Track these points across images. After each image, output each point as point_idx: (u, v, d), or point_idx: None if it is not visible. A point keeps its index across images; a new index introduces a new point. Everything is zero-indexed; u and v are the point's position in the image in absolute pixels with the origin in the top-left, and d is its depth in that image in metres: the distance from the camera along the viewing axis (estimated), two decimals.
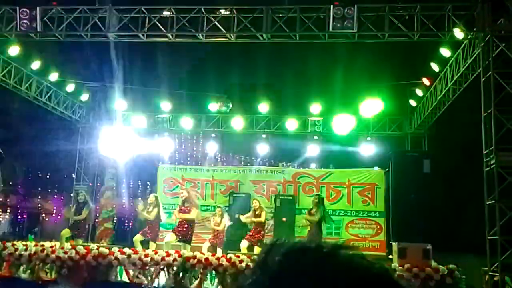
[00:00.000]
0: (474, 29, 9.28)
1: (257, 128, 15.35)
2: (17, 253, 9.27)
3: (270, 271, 0.77)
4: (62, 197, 25.33)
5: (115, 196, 17.04)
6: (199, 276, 8.79)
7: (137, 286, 8.90)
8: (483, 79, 8.99)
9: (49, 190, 26.88)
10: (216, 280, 8.77)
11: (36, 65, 12.90)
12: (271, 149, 15.67)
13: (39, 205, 26.89)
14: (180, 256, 8.87)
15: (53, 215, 26.48)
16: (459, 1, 9.55)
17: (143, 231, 10.77)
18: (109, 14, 10.27)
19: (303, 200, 13.60)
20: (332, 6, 9.39)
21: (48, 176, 26.88)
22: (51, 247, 9.50)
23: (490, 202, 8.60)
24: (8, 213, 27.25)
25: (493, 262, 8.40)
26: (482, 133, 8.99)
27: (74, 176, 16.35)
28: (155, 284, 8.86)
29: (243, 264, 8.56)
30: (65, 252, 9.09)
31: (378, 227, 13.52)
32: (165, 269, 8.87)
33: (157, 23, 10.27)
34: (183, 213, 10.59)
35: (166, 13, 10.30)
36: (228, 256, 8.88)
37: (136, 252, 9.14)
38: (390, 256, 10.00)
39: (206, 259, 8.76)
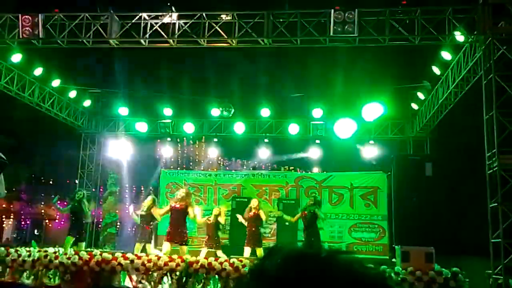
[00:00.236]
0: (475, 32, 9.28)
1: (259, 133, 15.37)
2: (20, 259, 9.29)
3: (267, 276, 0.78)
4: (65, 203, 25.33)
5: (118, 202, 17.09)
6: (202, 281, 8.78)
7: None
8: (485, 82, 8.99)
9: (52, 196, 26.89)
10: (220, 285, 8.76)
11: (38, 71, 12.97)
12: (273, 153, 15.69)
13: (42, 211, 26.92)
14: (183, 261, 8.87)
15: (56, 221, 26.49)
16: (459, 4, 9.56)
17: (139, 238, 10.71)
18: (110, 21, 10.31)
19: (306, 204, 13.58)
20: (332, 10, 9.42)
21: (51, 182, 26.92)
22: (54, 253, 9.52)
23: (493, 205, 8.59)
24: (11, 219, 27.30)
25: (496, 265, 8.38)
26: (484, 136, 8.98)
27: (77, 182, 16.37)
28: None
29: (246, 269, 8.56)
30: (68, 258, 9.10)
31: (381, 230, 13.50)
32: (168, 274, 8.87)
33: (159, 29, 10.31)
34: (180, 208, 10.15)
35: (167, 19, 10.34)
36: (231, 260, 8.88)
37: (139, 258, 9.14)
38: (393, 260, 9.98)
39: (209, 264, 8.76)
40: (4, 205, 25.68)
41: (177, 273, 8.83)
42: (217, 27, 10.14)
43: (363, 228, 13.64)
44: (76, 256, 9.12)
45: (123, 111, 15.49)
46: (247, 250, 10.67)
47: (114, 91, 16.23)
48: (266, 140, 15.19)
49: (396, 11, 9.69)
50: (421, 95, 13.45)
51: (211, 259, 9.03)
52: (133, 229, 21.37)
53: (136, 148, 16.58)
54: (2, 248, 9.67)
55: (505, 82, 8.70)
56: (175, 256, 9.16)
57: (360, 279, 0.77)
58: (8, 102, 16.35)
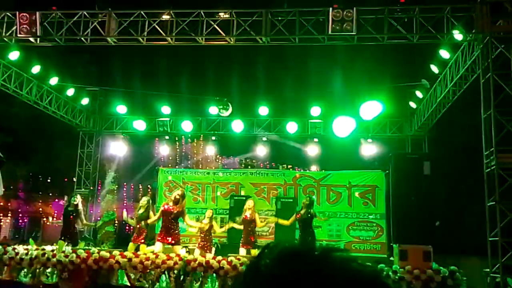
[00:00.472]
0: (473, 31, 9.28)
1: (257, 131, 15.37)
2: (18, 257, 9.27)
3: (261, 275, 0.78)
4: (63, 201, 25.32)
5: (116, 200, 17.07)
6: (200, 279, 8.78)
7: None
8: (483, 80, 8.99)
9: (50, 194, 26.89)
10: (217, 283, 8.76)
11: (36, 69, 12.94)
12: (272, 152, 15.69)
13: (40, 209, 26.90)
14: (181, 259, 8.87)
15: (54, 219, 26.48)
16: (458, 2, 9.55)
17: (133, 239, 10.70)
18: (108, 19, 10.29)
19: (301, 204, 13.59)
20: (331, 9, 9.42)
21: (49, 180, 26.89)
22: (52, 251, 9.50)
23: (490, 203, 8.60)
24: (9, 217, 27.27)
25: (494, 263, 8.39)
26: (482, 135, 8.98)
27: (75, 180, 16.36)
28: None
29: (244, 267, 8.55)
30: (66, 256, 9.08)
31: (379, 229, 13.51)
32: (166, 272, 8.86)
33: (157, 27, 10.28)
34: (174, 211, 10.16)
35: (165, 17, 10.32)
36: (229, 259, 8.88)
37: (137, 256, 9.13)
38: (391, 258, 9.99)
39: (207, 262, 8.76)
40: (1, 203, 25.65)
41: (175, 271, 8.82)
42: (215, 25, 10.13)
43: (361, 226, 13.65)
44: (74, 255, 9.11)
45: (121, 109, 15.48)
46: (242, 251, 10.68)
47: (112, 89, 16.23)
48: (264, 139, 15.18)
49: (394, 10, 9.69)
50: (419, 94, 13.45)
51: (209, 256, 9.03)
52: (131, 227, 21.38)
53: (134, 147, 16.57)
54: (0, 246, 9.65)
55: (503, 80, 8.70)
56: (173, 255, 9.16)
57: (355, 276, 0.77)
58: (6, 100, 16.33)
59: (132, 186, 23.77)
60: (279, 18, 9.98)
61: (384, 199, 13.40)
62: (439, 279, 8.21)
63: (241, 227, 11.11)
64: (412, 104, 14.22)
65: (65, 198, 11.72)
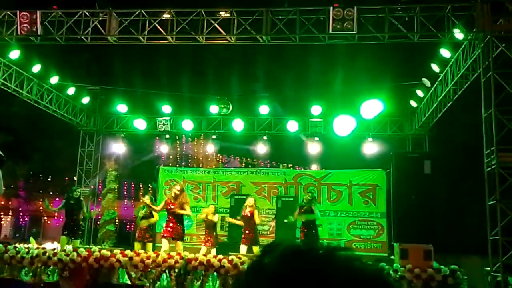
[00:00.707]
0: (474, 30, 9.27)
1: (258, 130, 15.36)
2: (19, 255, 9.28)
3: (264, 273, 0.78)
4: (63, 200, 25.33)
5: (117, 199, 17.09)
6: (201, 278, 8.79)
7: None
8: (483, 79, 8.98)
9: (51, 193, 26.89)
10: (218, 282, 8.77)
11: (37, 68, 12.93)
12: (272, 151, 15.69)
13: (41, 208, 26.91)
14: (182, 258, 8.88)
15: (55, 217, 26.49)
16: (458, 1, 9.54)
17: (137, 237, 10.75)
18: (109, 17, 10.29)
19: (302, 200, 13.60)
20: (332, 7, 9.41)
21: (49, 179, 26.91)
22: (53, 249, 9.51)
23: (491, 202, 8.60)
24: (9, 216, 27.29)
25: (494, 262, 8.39)
26: (482, 134, 8.98)
27: (75, 179, 16.36)
28: (157, 286, 8.86)
29: (245, 266, 8.57)
30: (67, 255, 9.09)
31: (380, 228, 13.52)
32: (167, 271, 8.87)
33: (157, 26, 10.28)
34: (175, 208, 10.30)
35: (166, 16, 10.31)
36: (230, 257, 8.88)
37: (138, 255, 9.15)
38: (392, 257, 10.00)
39: (208, 261, 8.77)
40: (2, 202, 25.67)
41: (176, 270, 8.83)
42: (215, 24, 10.12)
43: (362, 225, 13.65)
44: (75, 253, 9.12)
45: (122, 108, 15.47)
46: (243, 248, 10.69)
47: (112, 88, 16.23)
48: (265, 138, 15.18)
49: (395, 9, 9.67)
50: (420, 93, 13.44)
51: (210, 256, 9.04)
52: (132, 226, 21.41)
53: (134, 146, 16.58)
54: (1, 245, 9.66)
55: (504, 79, 8.69)
56: (173, 253, 9.17)
57: (358, 275, 0.77)
58: (6, 99, 16.33)
59: (133, 185, 23.80)
60: (280, 17, 9.98)
61: (385, 198, 13.40)
62: (439, 278, 8.22)
63: (241, 223, 11.14)
64: (413, 103, 14.21)
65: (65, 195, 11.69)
